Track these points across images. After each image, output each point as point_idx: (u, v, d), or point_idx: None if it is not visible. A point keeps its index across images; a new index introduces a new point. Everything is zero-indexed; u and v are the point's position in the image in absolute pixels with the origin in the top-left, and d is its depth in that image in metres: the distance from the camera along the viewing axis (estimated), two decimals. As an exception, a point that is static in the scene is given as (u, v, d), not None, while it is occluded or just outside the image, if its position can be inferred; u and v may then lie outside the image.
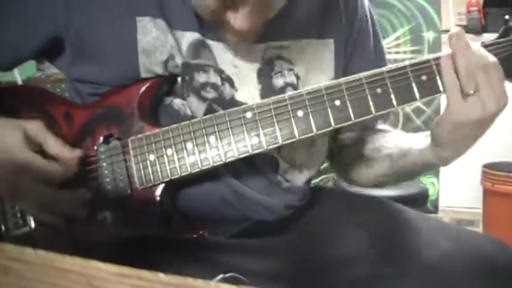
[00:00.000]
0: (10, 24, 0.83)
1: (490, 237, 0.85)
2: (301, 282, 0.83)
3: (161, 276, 0.31)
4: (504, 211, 2.35)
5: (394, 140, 0.90)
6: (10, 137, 0.75)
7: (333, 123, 0.73)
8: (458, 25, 2.66)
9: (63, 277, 0.32)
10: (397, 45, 2.77)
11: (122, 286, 0.31)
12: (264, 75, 0.83)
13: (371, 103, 0.73)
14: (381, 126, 0.97)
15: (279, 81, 0.84)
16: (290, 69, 0.85)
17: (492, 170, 2.39)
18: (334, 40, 0.89)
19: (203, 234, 0.78)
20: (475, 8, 2.61)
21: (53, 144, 0.77)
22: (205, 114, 0.80)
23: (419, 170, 0.86)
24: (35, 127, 0.77)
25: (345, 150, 0.98)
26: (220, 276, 0.65)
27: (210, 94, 0.81)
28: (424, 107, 2.77)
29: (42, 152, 0.77)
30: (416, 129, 2.83)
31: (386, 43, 2.79)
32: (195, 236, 0.78)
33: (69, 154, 0.77)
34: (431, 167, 0.84)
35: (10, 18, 0.83)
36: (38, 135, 0.77)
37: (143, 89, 0.80)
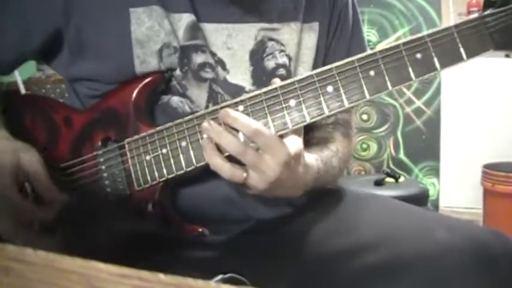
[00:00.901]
0: (12, 22, 0.83)
1: (486, 227, 0.85)
2: (302, 281, 0.83)
3: (161, 276, 0.31)
4: (504, 211, 2.35)
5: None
6: (1, 159, 0.74)
7: (326, 111, 0.71)
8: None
9: (63, 277, 0.32)
10: (398, 46, 2.76)
11: (122, 287, 0.31)
12: (256, 57, 0.84)
13: (365, 87, 0.70)
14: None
15: (270, 63, 0.85)
16: (282, 51, 0.86)
17: (492, 170, 2.39)
18: (319, 24, 0.91)
19: (202, 232, 0.78)
20: (475, 9, 2.61)
21: (42, 182, 0.76)
22: (208, 95, 0.81)
23: None
24: (29, 158, 0.75)
25: None
26: (220, 276, 0.65)
27: (209, 74, 0.82)
28: (424, 108, 2.77)
29: (28, 182, 0.75)
30: (417, 130, 2.84)
31: (386, 43, 2.79)
32: (195, 234, 0.78)
33: (55, 196, 0.76)
34: None
35: (12, 15, 0.83)
36: (30, 167, 0.75)
37: (138, 88, 0.80)
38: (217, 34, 0.82)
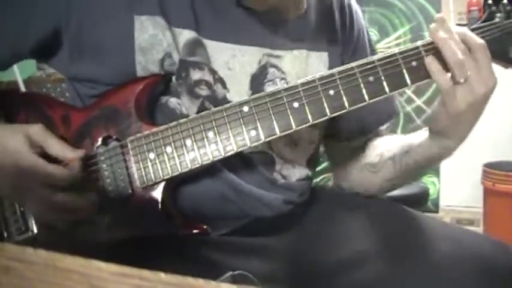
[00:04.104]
0: (9, 18, 0.82)
1: (492, 239, 0.85)
2: (300, 282, 0.83)
3: (162, 275, 0.31)
4: (505, 210, 2.35)
5: (395, 142, 0.93)
6: (13, 141, 0.75)
7: (328, 113, 0.74)
8: (459, 24, 2.66)
9: (63, 277, 0.32)
10: (398, 45, 2.76)
11: (122, 286, 0.31)
12: (257, 82, 0.84)
13: (364, 91, 0.74)
14: (383, 132, 1.01)
15: (270, 89, 0.84)
16: (282, 78, 0.86)
17: (493, 169, 2.39)
18: (328, 54, 0.92)
19: (206, 230, 0.79)
20: (475, 8, 2.60)
21: (55, 146, 0.77)
22: (198, 112, 0.81)
23: (423, 165, 0.88)
24: (37, 130, 0.77)
25: (349, 158, 1.00)
26: (229, 273, 0.65)
27: (204, 91, 0.82)
28: (424, 107, 2.77)
29: (45, 154, 0.77)
30: (417, 129, 2.83)
31: (386, 42, 2.79)
32: (197, 231, 0.78)
33: (71, 154, 0.77)
34: (434, 161, 0.86)
35: (9, 11, 0.82)
36: (40, 138, 0.77)
37: (139, 88, 0.80)
38: (220, 53, 0.82)
